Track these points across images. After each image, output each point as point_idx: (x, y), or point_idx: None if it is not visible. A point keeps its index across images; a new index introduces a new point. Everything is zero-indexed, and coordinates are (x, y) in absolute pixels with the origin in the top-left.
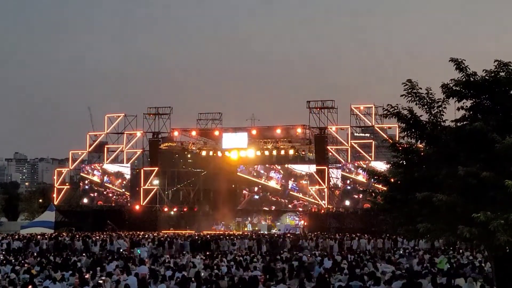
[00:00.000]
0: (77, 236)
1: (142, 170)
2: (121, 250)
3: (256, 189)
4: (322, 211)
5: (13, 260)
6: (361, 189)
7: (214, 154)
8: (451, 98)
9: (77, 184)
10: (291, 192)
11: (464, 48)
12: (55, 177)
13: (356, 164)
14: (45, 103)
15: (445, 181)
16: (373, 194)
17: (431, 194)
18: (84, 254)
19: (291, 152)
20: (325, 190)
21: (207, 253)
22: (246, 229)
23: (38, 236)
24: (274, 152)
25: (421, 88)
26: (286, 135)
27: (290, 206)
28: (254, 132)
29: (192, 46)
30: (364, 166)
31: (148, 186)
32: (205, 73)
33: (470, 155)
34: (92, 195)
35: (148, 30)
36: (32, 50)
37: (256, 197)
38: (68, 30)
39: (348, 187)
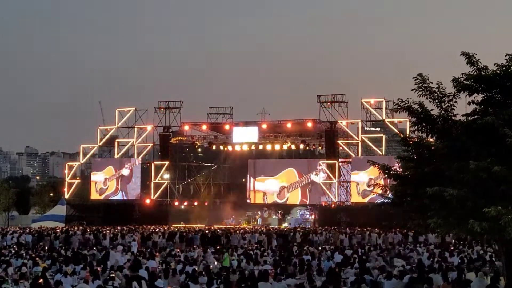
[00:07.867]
0: (88, 230)
1: (152, 164)
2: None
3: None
4: (333, 205)
5: (24, 254)
6: (371, 183)
7: (225, 148)
8: (462, 92)
9: (88, 178)
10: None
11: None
12: (66, 171)
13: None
14: (56, 97)
15: (455, 175)
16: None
17: (442, 188)
18: (95, 248)
19: (301, 146)
20: (336, 184)
21: (218, 247)
22: (256, 223)
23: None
24: (285, 147)
25: (431, 83)
26: (297, 130)
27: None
28: (264, 126)
29: (203, 41)
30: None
31: (158, 180)
32: (216, 67)
33: (481, 150)
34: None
35: (157, 24)
36: (41, 46)
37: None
38: (77, 25)
39: (359, 182)
